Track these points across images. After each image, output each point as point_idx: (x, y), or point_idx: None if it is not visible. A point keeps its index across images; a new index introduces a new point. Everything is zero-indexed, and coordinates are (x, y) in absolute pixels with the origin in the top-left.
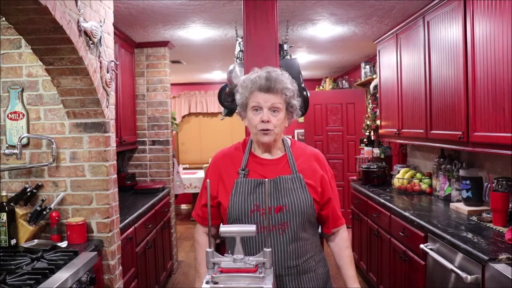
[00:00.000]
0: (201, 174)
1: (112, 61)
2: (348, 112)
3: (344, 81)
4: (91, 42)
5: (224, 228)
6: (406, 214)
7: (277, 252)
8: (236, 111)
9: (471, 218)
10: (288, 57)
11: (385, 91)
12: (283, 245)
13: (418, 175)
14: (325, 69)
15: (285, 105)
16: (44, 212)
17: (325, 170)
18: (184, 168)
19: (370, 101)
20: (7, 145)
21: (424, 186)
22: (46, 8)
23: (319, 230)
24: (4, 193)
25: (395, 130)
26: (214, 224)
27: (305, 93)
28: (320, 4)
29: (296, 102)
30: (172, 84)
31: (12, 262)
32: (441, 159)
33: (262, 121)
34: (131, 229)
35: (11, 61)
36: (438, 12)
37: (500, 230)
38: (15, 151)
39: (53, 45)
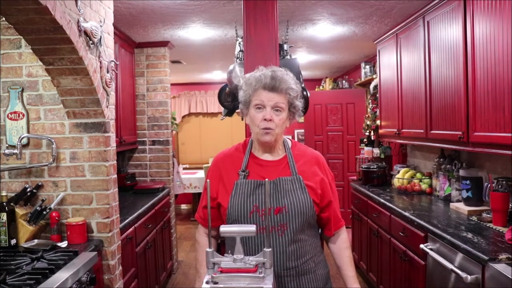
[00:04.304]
0: (201, 174)
1: (112, 61)
2: (348, 112)
3: (344, 81)
4: (91, 42)
5: (224, 228)
6: (406, 214)
7: (276, 253)
8: (238, 108)
9: (471, 218)
10: (288, 57)
11: (385, 91)
12: (283, 246)
13: (418, 175)
14: (325, 69)
15: (288, 105)
16: (44, 212)
17: (325, 172)
18: (184, 168)
19: (370, 101)
20: (7, 145)
21: (424, 186)
22: (46, 8)
23: (319, 231)
24: (4, 193)
25: (395, 130)
26: (215, 226)
27: (305, 93)
28: (320, 4)
29: (299, 103)
30: (172, 84)
31: (12, 262)
32: (441, 159)
33: (265, 119)
34: (131, 229)
35: (11, 61)
36: (438, 12)
37: (500, 230)
38: (15, 151)
39: (53, 45)
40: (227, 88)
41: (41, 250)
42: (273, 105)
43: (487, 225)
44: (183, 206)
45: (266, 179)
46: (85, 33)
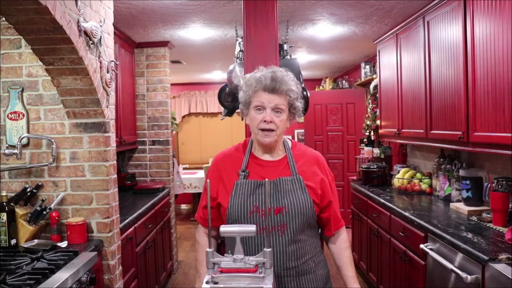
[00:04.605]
0: (201, 174)
1: (112, 61)
2: (348, 112)
3: (344, 81)
4: (91, 42)
5: (224, 228)
6: (406, 214)
7: (276, 253)
8: (238, 109)
9: (471, 218)
10: (288, 57)
11: (385, 91)
12: (282, 246)
13: (418, 175)
14: (325, 69)
15: (288, 106)
16: (44, 212)
17: (325, 173)
18: (184, 168)
19: (370, 101)
20: (7, 145)
21: (424, 186)
22: (46, 8)
23: (319, 231)
24: (4, 193)
25: (395, 130)
26: (215, 226)
27: (305, 93)
28: (320, 4)
29: (299, 104)
30: (172, 84)
31: (12, 262)
32: (441, 159)
33: (265, 121)
34: (131, 229)
35: (11, 61)
36: (438, 12)
37: (500, 230)
38: (15, 151)
39: (53, 45)
40: (227, 88)
41: (41, 250)
42: (273, 107)
43: (487, 225)
44: (183, 206)
45: (266, 179)
46: (85, 33)
